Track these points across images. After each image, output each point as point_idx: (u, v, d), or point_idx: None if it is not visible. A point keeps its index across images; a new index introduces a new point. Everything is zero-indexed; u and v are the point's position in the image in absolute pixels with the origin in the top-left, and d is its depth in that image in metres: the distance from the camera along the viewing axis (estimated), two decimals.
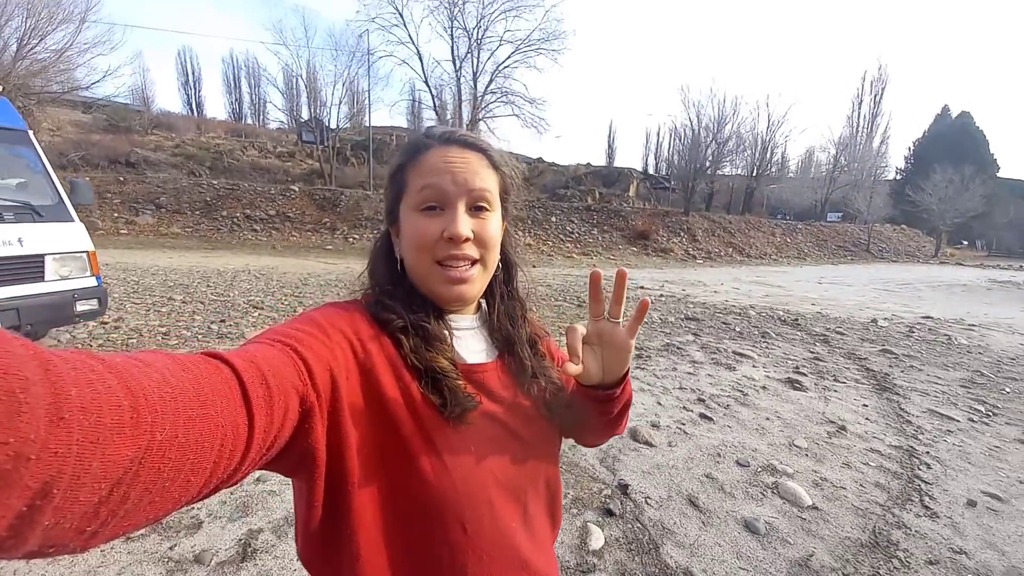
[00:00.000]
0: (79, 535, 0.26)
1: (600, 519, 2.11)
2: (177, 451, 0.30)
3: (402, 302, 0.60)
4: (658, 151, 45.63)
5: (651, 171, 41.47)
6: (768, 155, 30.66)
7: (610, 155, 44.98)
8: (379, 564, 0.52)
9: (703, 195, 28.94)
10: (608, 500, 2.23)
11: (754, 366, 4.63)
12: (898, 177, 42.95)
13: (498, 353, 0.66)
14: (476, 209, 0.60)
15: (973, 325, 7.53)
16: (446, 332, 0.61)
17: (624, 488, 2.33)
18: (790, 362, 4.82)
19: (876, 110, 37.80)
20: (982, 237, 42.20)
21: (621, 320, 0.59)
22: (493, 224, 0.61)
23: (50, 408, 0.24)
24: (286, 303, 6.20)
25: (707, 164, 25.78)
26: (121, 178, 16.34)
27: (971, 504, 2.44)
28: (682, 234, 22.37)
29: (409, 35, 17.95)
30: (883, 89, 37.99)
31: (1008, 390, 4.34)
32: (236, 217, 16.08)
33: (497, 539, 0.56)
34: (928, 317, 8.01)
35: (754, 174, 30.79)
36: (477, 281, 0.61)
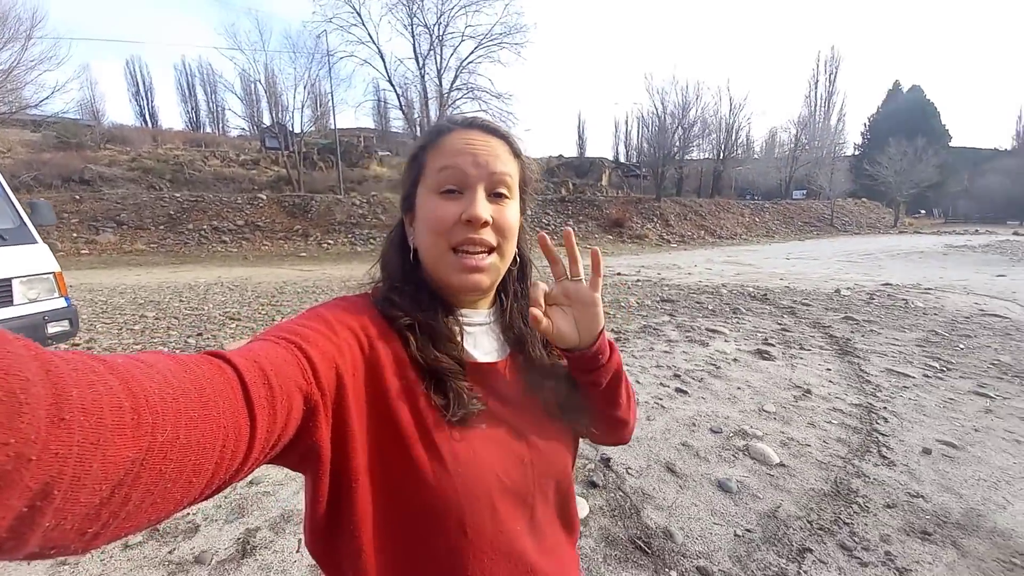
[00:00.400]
0: (80, 536, 0.26)
1: (585, 491, 2.23)
2: (179, 452, 0.30)
3: (411, 298, 0.59)
4: (627, 139, 46.34)
5: (622, 160, 42.03)
6: (733, 138, 31.42)
7: (581, 146, 45.46)
8: (380, 561, 0.52)
9: (673, 180, 29.50)
10: (592, 473, 2.36)
11: (726, 340, 4.85)
12: (856, 152, 44.58)
13: (510, 351, 0.64)
14: (496, 195, 0.58)
15: (929, 289, 7.99)
16: (456, 329, 0.60)
17: (607, 462, 2.46)
18: (759, 334, 5.06)
19: (832, 89, 39.21)
20: (938, 206, 44.22)
21: (582, 277, 0.58)
22: (512, 211, 0.59)
23: (51, 409, 0.24)
24: (263, 312, 6.14)
25: (675, 149, 26.29)
26: (77, 196, 15.69)
27: (926, 452, 2.65)
28: (655, 220, 22.82)
29: (369, 34, 17.66)
30: (836, 68, 39.40)
31: (962, 346, 4.65)
32: (203, 229, 15.67)
33: (501, 543, 0.55)
34: (888, 284, 8.44)
35: (720, 157, 31.53)
36: (493, 271, 0.59)
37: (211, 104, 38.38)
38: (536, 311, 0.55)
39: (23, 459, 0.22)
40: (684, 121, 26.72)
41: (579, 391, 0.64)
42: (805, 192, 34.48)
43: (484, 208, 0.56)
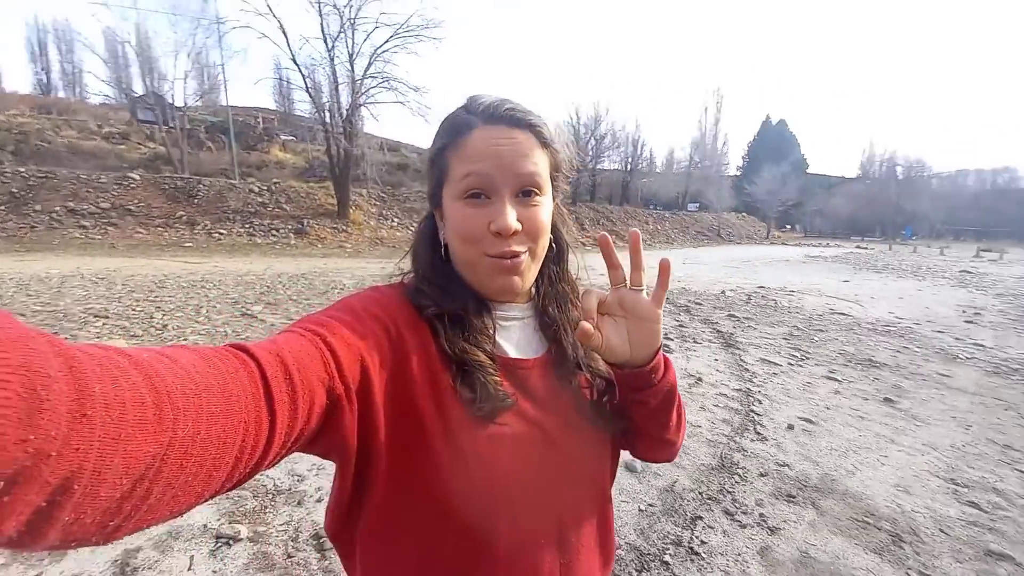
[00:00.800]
0: (101, 529, 0.27)
1: None
2: (199, 447, 0.30)
3: (442, 289, 0.57)
4: None
5: None
6: (638, 152, 34.16)
7: None
8: (391, 551, 0.52)
9: (587, 187, 31.20)
10: None
11: None
12: (738, 173, 50.78)
13: (547, 347, 0.61)
14: (524, 195, 0.54)
15: (793, 291, 9.36)
16: (488, 322, 0.57)
17: None
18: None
19: (718, 116, 44.29)
20: (799, 222, 51.93)
21: (644, 289, 0.53)
22: (544, 211, 0.56)
23: (73, 405, 0.24)
24: (140, 309, 5.34)
25: (588, 158, 27.89)
26: None
27: (790, 428, 3.10)
28: (570, 224, 24.00)
29: (268, 6, 15.94)
30: (722, 100, 44.60)
31: (817, 339, 5.52)
32: (56, 212, 13.13)
33: (517, 553, 0.53)
34: (762, 287, 9.75)
35: (628, 169, 34.02)
36: (527, 272, 0.56)
37: (66, 65, 32.51)
38: (587, 325, 0.50)
39: (42, 455, 0.22)
40: (596, 132, 28.47)
41: (615, 394, 0.60)
42: (698, 205, 38.47)
43: (512, 218, 0.52)
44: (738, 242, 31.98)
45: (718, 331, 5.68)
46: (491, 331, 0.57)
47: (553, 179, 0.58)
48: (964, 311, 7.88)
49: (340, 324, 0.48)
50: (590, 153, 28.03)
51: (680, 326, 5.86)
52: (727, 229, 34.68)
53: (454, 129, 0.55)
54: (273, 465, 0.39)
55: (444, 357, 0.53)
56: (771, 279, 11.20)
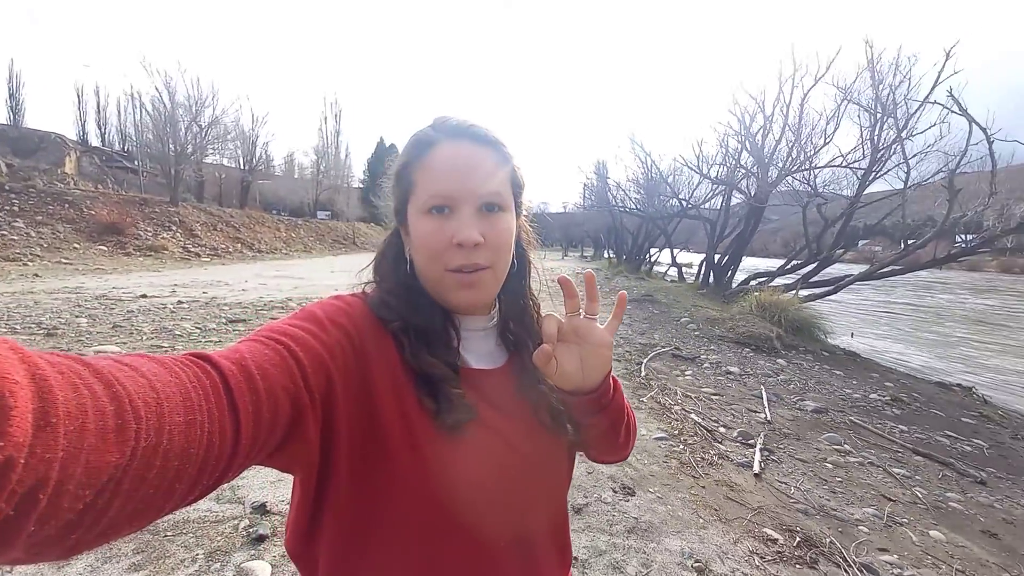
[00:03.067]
0: (61, 542, 0.26)
1: (255, 550, 1.82)
2: (161, 459, 0.29)
3: (407, 301, 0.56)
4: (103, 118, 35.07)
5: (99, 143, 31.73)
6: (255, 150, 30.68)
7: (16, 110, 30.24)
8: (354, 563, 0.51)
9: (191, 185, 25.38)
10: (252, 529, 1.94)
11: None
12: (362, 186, 54.58)
13: (508, 357, 0.62)
14: (487, 209, 0.55)
15: None
16: (453, 334, 0.58)
17: (262, 507, 2.08)
18: None
19: (338, 128, 45.99)
20: None
21: (597, 317, 0.56)
22: (505, 224, 0.57)
23: (37, 412, 0.23)
24: None
25: (190, 148, 22.64)
26: None
27: None
28: (174, 228, 18.92)
29: None
30: (340, 112, 46.52)
31: None
32: None
33: (476, 558, 0.54)
34: None
35: (247, 168, 30.06)
36: (489, 287, 0.57)
37: None
38: (546, 347, 0.52)
39: (11, 463, 0.22)
40: (199, 119, 23.49)
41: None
42: (329, 213, 38.72)
43: (474, 230, 0.53)
44: (372, 249, 34.35)
45: None
46: (455, 343, 0.58)
47: (516, 196, 0.61)
48: None
49: (305, 333, 0.47)
50: (192, 143, 22.84)
51: None
52: (361, 238, 36.74)
53: (418, 145, 0.56)
54: (235, 477, 0.38)
55: (408, 368, 0.53)
56: None
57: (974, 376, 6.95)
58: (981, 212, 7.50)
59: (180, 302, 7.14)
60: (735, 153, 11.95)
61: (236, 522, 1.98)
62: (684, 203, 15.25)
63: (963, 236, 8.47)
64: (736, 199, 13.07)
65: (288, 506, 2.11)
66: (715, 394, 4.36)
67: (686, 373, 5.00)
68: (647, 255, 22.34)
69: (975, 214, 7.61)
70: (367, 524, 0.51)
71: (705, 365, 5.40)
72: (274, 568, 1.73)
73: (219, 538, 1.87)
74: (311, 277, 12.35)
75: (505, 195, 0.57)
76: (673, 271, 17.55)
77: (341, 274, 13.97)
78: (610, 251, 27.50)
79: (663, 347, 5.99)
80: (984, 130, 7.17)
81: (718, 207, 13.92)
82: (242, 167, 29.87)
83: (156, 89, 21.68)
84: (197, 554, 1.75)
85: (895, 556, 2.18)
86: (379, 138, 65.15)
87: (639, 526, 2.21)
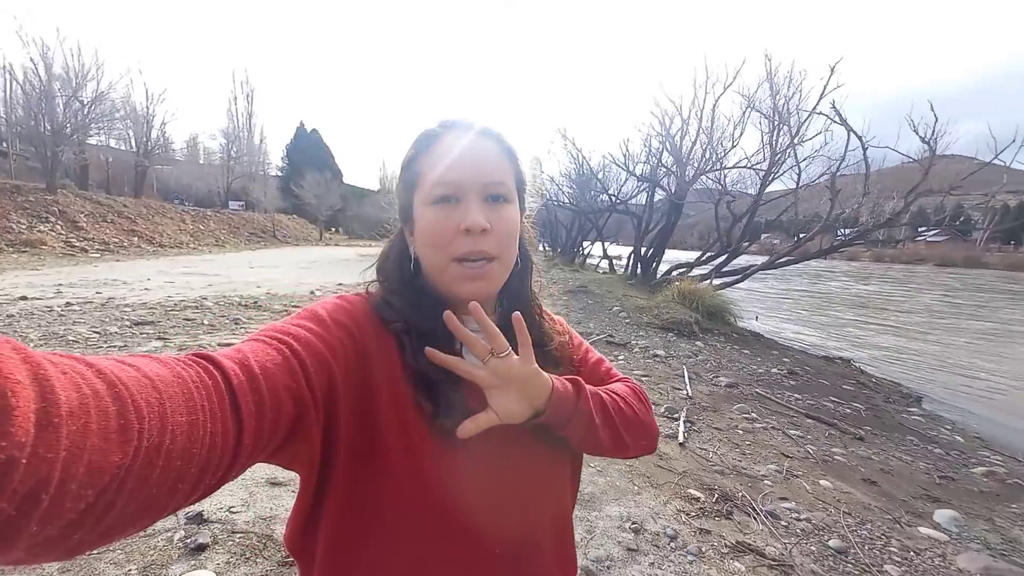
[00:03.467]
0: (63, 543, 0.25)
1: (196, 561, 1.73)
2: (164, 459, 0.29)
3: (410, 302, 0.57)
4: None
5: None
6: (149, 131, 27.28)
7: None
8: (348, 560, 0.51)
9: (71, 169, 22.11)
10: (190, 539, 1.83)
11: None
12: (280, 174, 50.80)
13: None
14: (493, 199, 0.55)
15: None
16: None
17: (199, 517, 1.97)
18: None
19: (251, 110, 42.13)
20: (342, 225, 58.33)
21: (507, 351, 0.54)
22: (511, 215, 0.57)
23: (39, 412, 0.23)
24: None
25: (69, 127, 19.65)
26: None
27: None
28: (53, 219, 16.45)
29: None
30: (253, 92, 42.66)
31: None
32: None
33: (471, 567, 0.53)
34: (341, 284, 10.65)
35: (142, 152, 26.71)
36: (496, 278, 0.57)
37: None
38: (468, 426, 0.51)
39: (13, 463, 0.22)
40: (80, 93, 20.40)
41: None
42: (243, 204, 35.63)
43: (481, 216, 0.53)
44: (295, 243, 32.42)
45: None
46: (458, 344, 0.56)
47: (519, 190, 0.61)
48: None
49: (307, 332, 0.48)
50: (71, 121, 19.83)
51: None
52: (282, 231, 34.28)
53: (425, 138, 0.58)
54: (238, 475, 0.38)
55: (408, 370, 0.53)
56: (343, 277, 12.40)
57: (856, 351, 8.11)
58: (857, 209, 8.74)
59: (69, 304, 6.30)
60: (657, 153, 12.78)
61: (170, 534, 1.86)
62: (613, 198, 16.03)
63: (843, 230, 9.79)
64: (659, 196, 14.00)
65: (229, 513, 2.01)
66: (644, 375, 4.73)
67: (619, 358, 5.35)
68: (580, 248, 23.21)
69: (852, 211, 8.85)
70: (363, 523, 0.51)
71: (635, 350, 5.80)
72: (219, 575, 1.66)
73: (152, 552, 1.75)
74: (227, 274, 11.39)
75: (510, 187, 0.57)
76: (605, 263, 18.42)
77: (262, 269, 13.03)
78: (545, 244, 28.12)
79: (598, 335, 6.34)
80: (860, 138, 8.33)
81: (643, 203, 14.84)
82: (135, 150, 26.46)
83: (31, 60, 18.53)
84: (129, 570, 1.63)
85: (793, 503, 2.55)
86: (299, 122, 60.98)
87: (582, 497, 2.39)
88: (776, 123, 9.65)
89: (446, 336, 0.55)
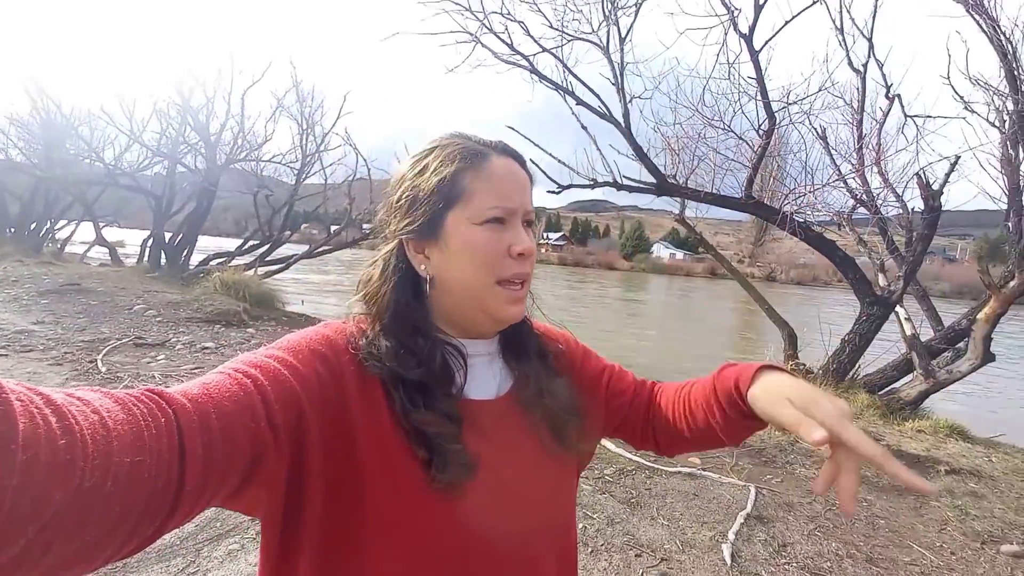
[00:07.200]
0: None
1: None
2: (103, 502, 0.28)
3: (402, 344, 0.52)
4: None
5: None
6: None
7: None
8: None
9: None
10: None
11: None
12: None
13: (510, 383, 0.60)
14: (527, 224, 0.56)
15: None
16: (456, 372, 0.54)
17: None
18: None
19: None
20: None
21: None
22: (534, 241, 0.58)
23: (0, 440, 0.23)
24: None
25: None
26: None
27: None
28: None
29: None
30: None
31: None
32: None
33: None
34: None
35: None
36: (526, 299, 0.58)
37: None
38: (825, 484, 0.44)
39: None
40: None
41: (580, 407, 0.61)
42: None
43: (532, 241, 0.55)
44: None
45: None
46: (459, 383, 0.54)
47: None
48: None
49: (278, 363, 0.45)
50: None
51: None
52: None
53: (471, 154, 0.54)
54: (178, 525, 0.36)
55: (397, 417, 0.49)
56: None
57: None
58: (372, 210, 11.34)
59: None
60: (179, 128, 11.17)
61: None
62: (110, 167, 12.45)
63: (366, 226, 12.31)
64: (180, 172, 12.26)
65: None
66: (196, 368, 4.57)
67: (158, 358, 4.79)
68: (52, 231, 16.38)
69: (367, 211, 11.39)
70: (348, 565, 0.47)
71: (178, 347, 5.32)
72: None
73: None
74: None
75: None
76: (101, 252, 14.05)
77: None
78: None
79: (119, 339, 5.27)
80: (365, 160, 10.79)
81: (161, 178, 12.47)
82: None
83: None
84: None
85: None
86: None
87: None
88: (304, 129, 10.81)
89: (445, 378, 0.53)
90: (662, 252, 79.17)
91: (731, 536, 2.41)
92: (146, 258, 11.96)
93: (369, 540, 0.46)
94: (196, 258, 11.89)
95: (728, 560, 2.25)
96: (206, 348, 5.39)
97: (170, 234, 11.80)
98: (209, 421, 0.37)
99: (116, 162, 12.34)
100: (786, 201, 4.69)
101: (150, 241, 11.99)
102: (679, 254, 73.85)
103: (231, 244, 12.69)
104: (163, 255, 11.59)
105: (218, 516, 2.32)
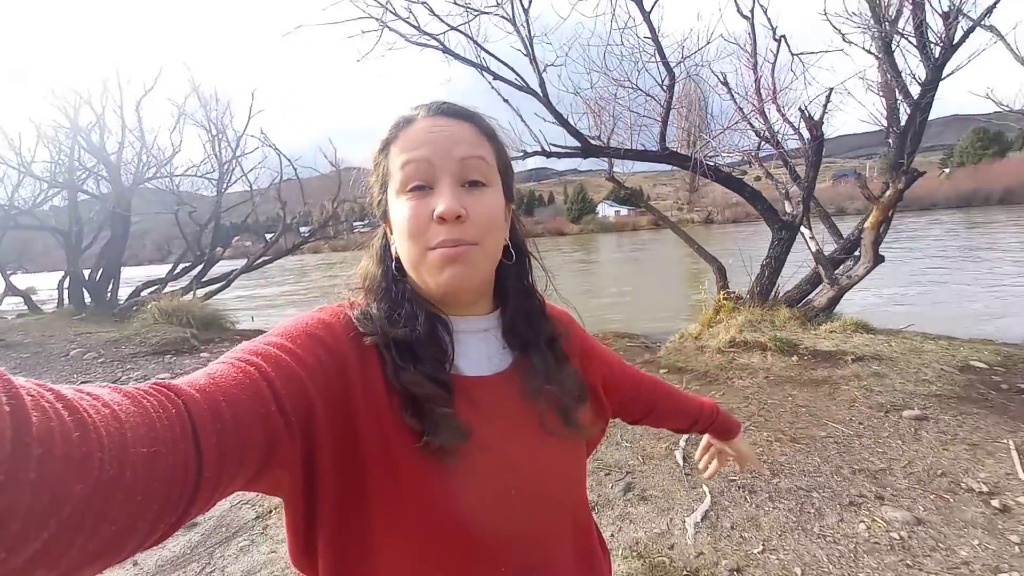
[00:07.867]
0: None
1: None
2: (123, 492, 0.28)
3: (392, 309, 0.54)
4: None
5: None
6: None
7: None
8: None
9: None
10: None
11: None
12: None
13: (512, 361, 0.59)
14: (470, 184, 0.52)
15: None
16: (446, 341, 0.54)
17: None
18: None
19: None
20: None
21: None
22: (491, 200, 0.53)
23: (13, 434, 0.23)
24: None
25: None
26: None
27: None
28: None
29: None
30: None
31: None
32: None
33: None
34: None
35: None
36: (476, 264, 0.52)
37: None
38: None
39: None
40: None
41: (586, 400, 0.61)
42: None
43: (454, 201, 0.50)
44: None
45: None
46: (448, 351, 0.54)
47: (503, 175, 0.57)
48: None
49: (279, 351, 0.45)
50: None
51: None
52: None
53: (396, 124, 0.54)
54: (200, 512, 0.36)
55: (391, 385, 0.50)
56: None
57: None
58: (307, 211, 10.95)
59: None
60: (71, 151, 10.16)
61: None
62: (5, 208, 11.23)
63: (304, 229, 11.92)
64: (84, 199, 11.25)
65: None
66: None
67: None
68: None
69: (304, 213, 11.00)
70: (358, 550, 0.48)
71: (131, 383, 5.11)
72: None
73: None
74: None
75: (488, 172, 0.54)
76: (13, 302, 12.79)
77: None
78: None
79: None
80: (289, 160, 10.37)
81: (57, 209, 11.40)
82: None
83: None
84: None
85: None
86: None
87: None
88: (214, 135, 10.17)
89: (432, 344, 0.53)
90: (607, 211, 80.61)
91: (682, 443, 2.84)
92: (66, 300, 11.02)
93: (374, 516, 0.48)
94: (124, 292, 11.09)
95: (681, 462, 2.66)
96: (163, 379, 5.23)
97: (88, 271, 10.89)
98: (220, 409, 0.37)
99: (10, 201, 11.11)
100: (696, 148, 5.11)
101: (66, 282, 11.02)
102: (623, 210, 75.96)
103: (159, 271, 11.90)
104: (85, 293, 10.72)
105: (221, 522, 2.44)
